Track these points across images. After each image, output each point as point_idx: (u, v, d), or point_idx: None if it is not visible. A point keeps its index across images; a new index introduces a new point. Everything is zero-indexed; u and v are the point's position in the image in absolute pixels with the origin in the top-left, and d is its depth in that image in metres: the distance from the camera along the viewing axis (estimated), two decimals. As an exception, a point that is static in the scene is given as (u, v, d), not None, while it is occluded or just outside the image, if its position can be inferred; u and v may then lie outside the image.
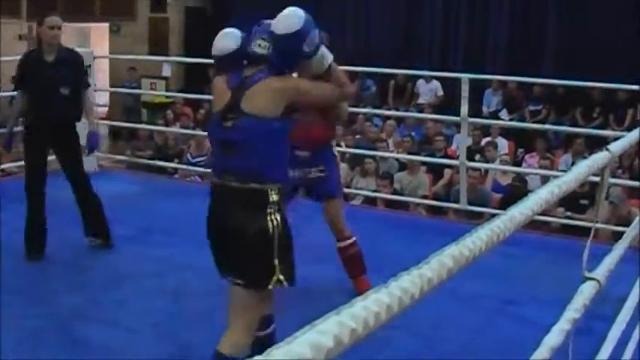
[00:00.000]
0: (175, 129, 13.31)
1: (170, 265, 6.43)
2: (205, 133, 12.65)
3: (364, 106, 14.12)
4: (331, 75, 4.21)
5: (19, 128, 6.68)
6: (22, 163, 7.16)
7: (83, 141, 6.76)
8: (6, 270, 6.18)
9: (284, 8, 4.02)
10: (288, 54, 3.85)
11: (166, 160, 11.70)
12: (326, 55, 4.17)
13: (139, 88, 17.12)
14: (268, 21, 3.99)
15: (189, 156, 12.16)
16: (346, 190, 10.01)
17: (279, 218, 3.71)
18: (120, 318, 5.39)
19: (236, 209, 3.76)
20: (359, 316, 1.33)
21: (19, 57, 6.71)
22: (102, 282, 6.09)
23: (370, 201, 10.00)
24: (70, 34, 20.65)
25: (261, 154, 3.70)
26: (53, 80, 6.37)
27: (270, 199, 3.68)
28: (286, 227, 3.76)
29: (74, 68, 6.54)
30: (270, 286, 3.74)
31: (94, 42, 18.94)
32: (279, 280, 3.73)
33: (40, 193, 6.56)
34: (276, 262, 3.71)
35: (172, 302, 5.71)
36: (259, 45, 3.89)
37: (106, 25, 19.02)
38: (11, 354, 4.78)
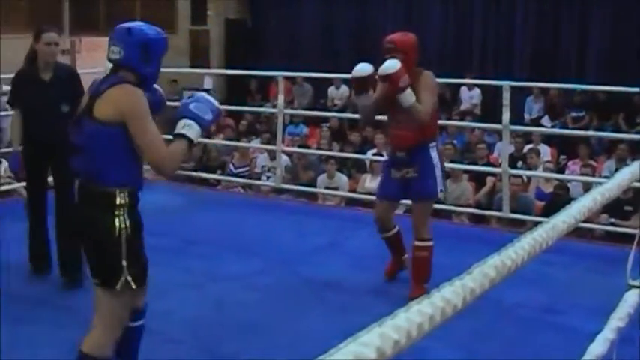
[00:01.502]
0: (218, 140, 13.36)
1: (213, 275, 6.45)
2: (248, 145, 12.74)
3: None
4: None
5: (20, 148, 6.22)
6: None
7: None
8: (49, 282, 6.24)
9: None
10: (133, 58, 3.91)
11: (209, 172, 11.74)
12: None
13: (181, 100, 17.20)
14: (121, 26, 4.01)
15: (231, 167, 12.21)
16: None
17: (127, 221, 3.78)
18: (162, 328, 5.40)
19: (88, 210, 3.87)
20: (402, 327, 1.34)
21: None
22: (150, 293, 6.10)
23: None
24: (112, 48, 20.82)
25: (101, 159, 3.79)
26: (53, 99, 6.05)
27: (117, 202, 3.76)
28: (137, 230, 3.85)
29: (72, 84, 6.17)
30: (117, 287, 3.79)
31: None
32: (126, 281, 3.79)
33: (42, 211, 6.39)
34: (125, 263, 3.77)
35: (214, 313, 5.72)
36: (112, 51, 3.95)
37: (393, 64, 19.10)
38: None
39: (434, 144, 5.95)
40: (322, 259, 6.90)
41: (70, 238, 6.00)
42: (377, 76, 5.74)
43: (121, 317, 3.95)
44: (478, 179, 11.09)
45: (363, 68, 5.82)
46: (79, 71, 6.61)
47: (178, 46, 18.46)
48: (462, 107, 15.26)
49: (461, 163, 11.21)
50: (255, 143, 13.08)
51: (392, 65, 5.56)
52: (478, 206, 10.05)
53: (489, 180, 10.91)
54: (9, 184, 10.30)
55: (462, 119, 14.15)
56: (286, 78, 11.21)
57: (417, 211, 6.02)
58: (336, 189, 10.60)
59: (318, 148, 12.58)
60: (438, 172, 5.91)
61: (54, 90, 6.07)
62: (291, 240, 7.50)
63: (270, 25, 18.28)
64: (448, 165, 10.85)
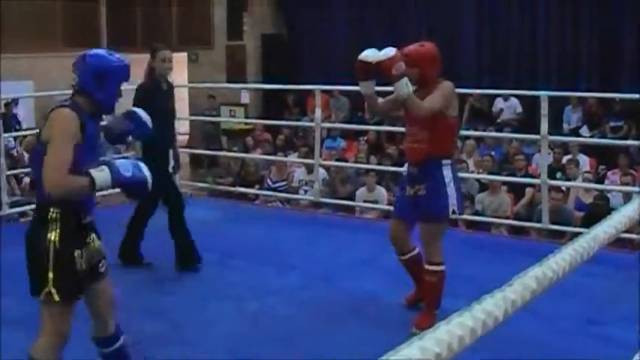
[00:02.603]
0: (255, 155, 13.40)
1: (251, 289, 6.46)
2: (286, 159, 12.77)
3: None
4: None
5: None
6: (105, 193, 7.42)
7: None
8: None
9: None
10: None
11: (247, 187, 11.78)
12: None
13: (218, 115, 17.28)
14: (81, 53, 4.21)
15: (269, 181, 12.24)
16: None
17: (57, 237, 3.92)
18: (200, 342, 5.42)
19: (32, 222, 4.13)
20: (443, 340, 1.33)
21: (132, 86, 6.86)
22: (184, 306, 6.14)
23: (451, 222, 9.92)
24: (149, 64, 20.99)
25: (37, 176, 4.03)
26: (170, 107, 7.04)
27: (49, 217, 3.93)
28: (68, 246, 3.95)
29: (174, 97, 7.25)
30: (41, 297, 3.94)
31: (173, 71, 19.16)
32: (50, 293, 3.91)
33: (150, 213, 7.06)
34: (51, 275, 3.90)
35: (252, 327, 5.72)
36: (72, 77, 4.14)
37: (184, 54, 19.22)
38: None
39: (448, 161, 5.59)
40: (360, 274, 6.88)
41: (181, 233, 6.96)
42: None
43: (56, 327, 4.05)
44: (517, 190, 11.04)
45: (368, 53, 5.45)
46: None
47: (215, 62, 18.56)
48: (500, 118, 15.19)
49: (499, 174, 11.17)
50: (293, 157, 13.10)
51: (386, 52, 5.30)
52: (517, 217, 10.00)
53: (528, 191, 10.86)
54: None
55: (499, 130, 14.08)
56: (323, 91, 11.22)
57: (424, 232, 5.64)
58: (375, 202, 10.58)
59: (356, 162, 12.58)
60: (451, 192, 5.53)
61: (170, 99, 7.09)
62: (329, 254, 7.50)
63: (307, 38, 18.31)
64: (486, 177, 10.84)
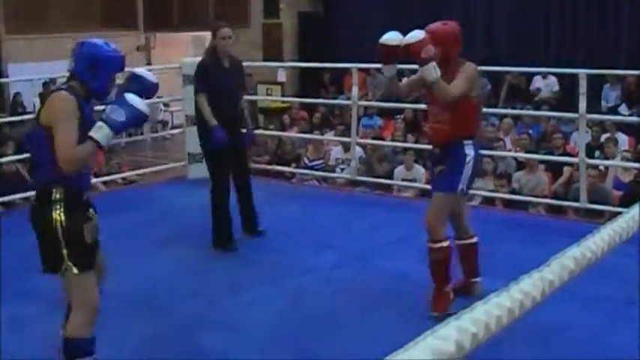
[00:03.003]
0: (292, 133, 13.40)
1: (289, 269, 6.48)
2: (322, 137, 12.76)
3: (480, 105, 13.98)
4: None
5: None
6: (141, 171, 7.61)
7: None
8: (126, 276, 6.33)
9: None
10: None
11: (284, 165, 11.79)
12: None
13: (255, 94, 17.28)
14: (82, 40, 4.43)
15: (306, 160, 12.23)
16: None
17: (62, 215, 4.15)
18: (239, 323, 5.45)
19: (35, 205, 4.32)
20: (480, 320, 1.33)
21: (138, 67, 6.94)
22: (221, 287, 6.17)
23: (488, 201, 9.90)
24: (186, 43, 21.05)
25: (38, 159, 4.32)
26: (232, 84, 7.11)
27: (53, 198, 4.16)
28: (75, 223, 4.19)
29: (241, 73, 7.41)
30: (60, 273, 4.21)
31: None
32: (68, 267, 4.17)
33: (227, 189, 7.18)
34: (65, 252, 4.16)
35: (291, 307, 5.75)
36: (69, 62, 4.38)
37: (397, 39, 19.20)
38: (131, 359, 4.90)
39: (470, 142, 5.51)
40: (397, 252, 6.88)
41: (248, 203, 7.41)
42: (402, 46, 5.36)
43: (87, 298, 4.30)
44: (554, 169, 10.96)
45: (391, 37, 5.42)
46: (154, 67, 7.14)
47: (252, 40, 18.55)
48: (538, 97, 15.08)
49: (537, 153, 11.09)
50: (330, 136, 13.08)
51: (415, 35, 5.25)
52: (555, 197, 9.93)
53: (566, 170, 10.77)
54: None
55: (537, 109, 13.98)
56: (360, 69, 11.17)
57: (432, 203, 5.59)
58: (413, 180, 10.56)
59: (393, 140, 12.54)
60: (467, 171, 5.45)
61: (232, 76, 7.15)
62: (366, 233, 7.50)
63: (343, 16, 18.26)
64: (524, 155, 10.78)
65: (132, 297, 5.93)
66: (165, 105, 19.23)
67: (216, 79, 7.02)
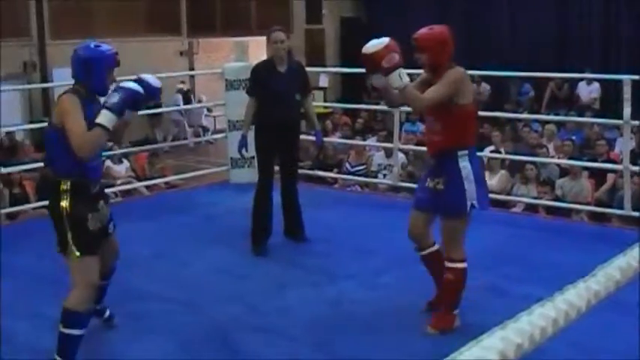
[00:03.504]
0: (334, 138, 13.42)
1: (330, 274, 6.48)
2: (364, 142, 12.76)
3: (522, 111, 13.92)
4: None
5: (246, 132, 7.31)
6: (184, 175, 7.70)
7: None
8: (167, 278, 6.38)
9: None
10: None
11: (326, 170, 11.80)
12: None
13: (298, 99, 17.33)
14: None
15: (348, 165, 12.25)
16: (507, 198, 9.89)
17: (68, 204, 4.70)
18: (278, 327, 5.45)
19: (48, 195, 4.86)
20: (525, 331, 1.33)
21: (181, 72, 7.13)
22: (262, 290, 6.18)
23: (531, 208, 9.85)
24: (229, 48, 21.12)
25: (50, 153, 4.89)
26: (285, 88, 7.09)
27: (61, 189, 4.70)
28: (80, 211, 4.73)
29: (302, 76, 7.42)
30: (67, 254, 4.72)
31: (252, 55, 19.19)
32: (72, 250, 4.69)
33: (269, 191, 7.24)
34: (69, 235, 4.69)
35: (331, 311, 5.73)
36: (72, 70, 4.88)
37: (263, 38, 19.32)
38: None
39: (465, 152, 5.18)
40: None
41: (292, 208, 7.46)
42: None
43: (87, 279, 4.77)
44: (598, 176, 10.89)
45: (372, 44, 5.07)
46: (197, 72, 7.27)
47: (294, 46, 18.53)
48: (581, 103, 15.00)
49: (580, 159, 11.03)
50: (372, 141, 13.09)
51: (373, 44, 5.03)
52: (598, 204, 9.87)
53: (610, 177, 10.70)
54: (129, 183, 10.53)
55: (580, 115, 13.90)
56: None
57: (444, 227, 5.31)
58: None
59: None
60: (469, 185, 5.14)
61: (288, 80, 7.16)
62: (409, 239, 7.48)
63: (386, 21, 18.27)
64: (567, 162, 10.71)
65: (173, 299, 5.96)
66: (208, 110, 19.33)
67: (267, 83, 7.07)
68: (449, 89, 5.12)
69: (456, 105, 5.15)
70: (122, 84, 4.72)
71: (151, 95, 4.97)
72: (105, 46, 4.85)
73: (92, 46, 4.84)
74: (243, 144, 7.23)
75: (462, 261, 5.29)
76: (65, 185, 4.70)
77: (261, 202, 7.18)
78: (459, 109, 5.17)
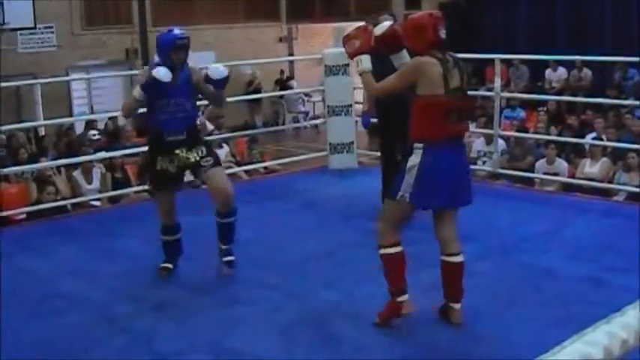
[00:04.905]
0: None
1: (427, 261, 6.40)
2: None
3: (626, 98, 13.63)
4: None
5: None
6: (282, 161, 7.73)
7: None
8: (264, 265, 6.40)
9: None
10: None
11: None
12: None
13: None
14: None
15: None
16: (608, 186, 9.70)
17: (148, 151, 6.27)
18: (365, 311, 5.41)
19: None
20: (631, 326, 1.28)
21: (281, 58, 7.24)
22: (359, 277, 6.14)
23: (634, 197, 9.64)
24: (328, 34, 21.15)
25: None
26: (388, 73, 6.82)
27: (147, 141, 6.44)
28: (152, 154, 6.11)
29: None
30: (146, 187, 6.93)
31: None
32: (150, 187, 6.40)
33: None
34: (147, 176, 6.43)
35: (425, 299, 5.59)
36: None
37: (362, 23, 19.29)
38: (264, 348, 4.94)
39: (420, 146, 4.97)
40: (539, 247, 6.76)
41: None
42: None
43: (160, 211, 6.16)
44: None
45: (379, 27, 5.41)
46: (296, 57, 7.40)
47: (394, 31, 18.51)
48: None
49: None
50: (472, 127, 12.96)
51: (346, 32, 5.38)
52: None
53: None
54: (229, 167, 10.62)
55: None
56: (503, 60, 11.02)
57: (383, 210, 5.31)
58: (556, 174, 10.36)
59: (535, 132, 12.34)
60: (408, 178, 4.97)
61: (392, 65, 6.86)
62: (508, 226, 7.40)
63: (486, 6, 18.07)
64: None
65: (271, 285, 5.99)
66: (307, 95, 19.40)
67: (376, 68, 7.04)
68: (400, 80, 5.11)
69: (416, 96, 5.01)
70: (154, 70, 5.83)
71: (217, 82, 6.05)
72: (174, 33, 5.97)
73: (166, 32, 6.01)
74: (365, 120, 7.86)
75: (385, 246, 5.21)
76: (149, 138, 6.31)
77: (385, 175, 7.45)
78: (417, 101, 5.01)
